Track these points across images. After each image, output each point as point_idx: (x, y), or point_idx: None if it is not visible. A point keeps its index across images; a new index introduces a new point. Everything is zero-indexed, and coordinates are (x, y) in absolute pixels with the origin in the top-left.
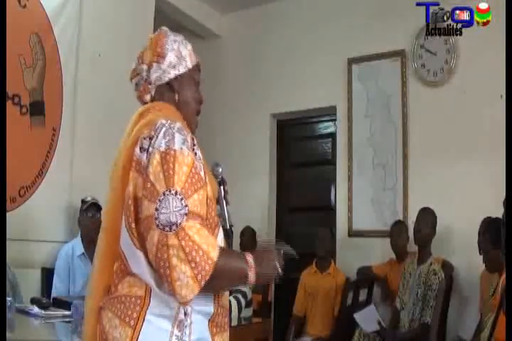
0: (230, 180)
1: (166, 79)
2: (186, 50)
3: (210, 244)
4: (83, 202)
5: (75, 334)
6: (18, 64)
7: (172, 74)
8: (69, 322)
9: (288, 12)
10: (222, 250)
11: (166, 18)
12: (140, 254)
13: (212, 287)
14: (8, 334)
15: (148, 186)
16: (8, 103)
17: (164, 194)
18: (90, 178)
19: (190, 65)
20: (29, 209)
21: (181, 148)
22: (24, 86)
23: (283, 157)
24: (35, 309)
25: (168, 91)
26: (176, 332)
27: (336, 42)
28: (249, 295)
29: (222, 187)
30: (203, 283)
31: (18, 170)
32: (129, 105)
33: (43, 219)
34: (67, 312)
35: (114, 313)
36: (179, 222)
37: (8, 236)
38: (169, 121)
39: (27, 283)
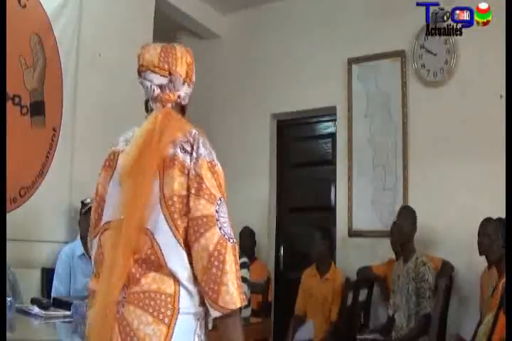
0: (230, 180)
1: (186, 101)
2: None
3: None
4: (83, 204)
5: (75, 334)
6: (18, 64)
7: (188, 99)
8: (69, 322)
9: (288, 12)
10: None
11: (166, 18)
12: (183, 253)
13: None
14: (8, 335)
15: (204, 188)
16: (9, 103)
17: (220, 199)
18: (90, 178)
19: None
20: (29, 210)
21: (217, 163)
22: (24, 86)
23: (283, 157)
24: (36, 309)
25: (180, 111)
26: (197, 330)
27: (335, 42)
28: (248, 294)
29: None
30: (244, 303)
31: (18, 170)
32: (129, 105)
33: (43, 219)
34: (67, 313)
35: (144, 310)
36: (233, 235)
37: (8, 237)
38: (201, 134)
39: (27, 283)
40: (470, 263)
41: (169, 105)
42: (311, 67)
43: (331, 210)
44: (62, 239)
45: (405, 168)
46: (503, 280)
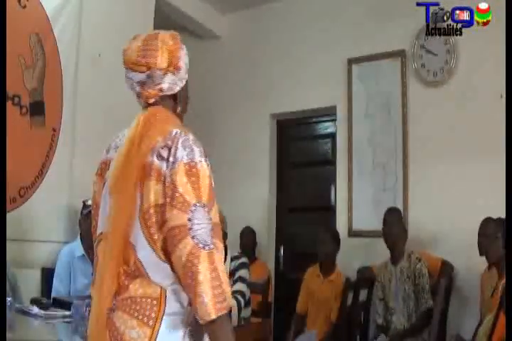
0: (230, 180)
1: (175, 90)
2: (187, 58)
3: (227, 282)
4: (84, 205)
5: (75, 334)
6: (18, 64)
7: (179, 86)
8: (69, 322)
9: (288, 12)
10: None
11: (166, 19)
12: (165, 266)
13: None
14: (8, 335)
15: (177, 196)
16: (8, 103)
17: (195, 205)
18: (90, 178)
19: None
20: (29, 210)
21: (201, 161)
22: (24, 86)
23: (283, 157)
24: (35, 309)
25: (171, 100)
26: (186, 328)
27: (335, 43)
28: (248, 294)
29: None
30: (219, 314)
31: (18, 170)
32: (129, 105)
33: (42, 219)
34: (67, 313)
35: (130, 314)
36: (210, 241)
37: (8, 237)
38: (183, 132)
39: (27, 284)
40: (470, 263)
41: (152, 100)
42: (311, 67)
43: (331, 210)
44: (62, 239)
45: (405, 168)
46: (503, 280)
